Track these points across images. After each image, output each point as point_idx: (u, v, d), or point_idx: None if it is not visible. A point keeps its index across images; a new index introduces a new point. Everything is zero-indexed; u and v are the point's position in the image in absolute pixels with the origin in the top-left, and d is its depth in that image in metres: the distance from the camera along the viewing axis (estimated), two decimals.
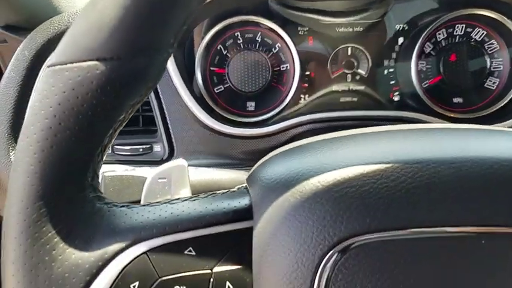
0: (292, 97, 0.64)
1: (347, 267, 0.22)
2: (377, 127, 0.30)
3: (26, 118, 0.23)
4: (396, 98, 0.64)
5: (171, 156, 0.65)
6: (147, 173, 0.46)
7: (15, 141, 0.60)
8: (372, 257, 0.22)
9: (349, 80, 0.64)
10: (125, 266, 0.24)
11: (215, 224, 0.25)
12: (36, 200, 0.23)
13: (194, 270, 0.24)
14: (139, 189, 0.45)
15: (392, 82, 0.64)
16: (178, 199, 0.27)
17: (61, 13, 0.65)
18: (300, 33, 0.62)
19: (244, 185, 0.28)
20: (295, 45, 0.62)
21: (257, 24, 0.62)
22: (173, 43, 0.24)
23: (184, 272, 0.24)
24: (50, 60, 0.23)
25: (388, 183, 0.23)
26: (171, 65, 0.60)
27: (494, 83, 0.63)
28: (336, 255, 0.22)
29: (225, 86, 0.64)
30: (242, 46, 0.63)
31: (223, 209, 0.25)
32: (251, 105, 0.65)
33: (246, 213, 0.25)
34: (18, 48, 0.62)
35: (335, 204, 0.22)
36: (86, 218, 0.24)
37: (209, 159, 0.64)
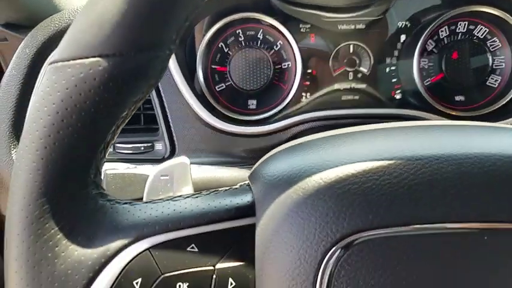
0: (293, 95, 0.64)
1: (350, 263, 0.22)
2: (379, 124, 0.30)
3: (28, 115, 0.23)
4: (398, 96, 0.64)
5: (172, 154, 0.65)
6: (149, 170, 0.46)
7: (17, 139, 0.60)
8: (374, 253, 0.22)
9: (350, 77, 0.63)
10: (128, 263, 0.24)
11: (218, 220, 0.25)
12: (38, 197, 0.23)
13: (197, 267, 0.24)
14: (141, 187, 0.45)
15: (394, 80, 0.63)
16: (180, 196, 0.27)
17: (61, 11, 0.65)
18: (301, 30, 0.62)
19: (246, 182, 0.28)
20: (296, 42, 0.62)
21: (258, 21, 0.62)
22: (175, 39, 0.24)
23: (187, 268, 0.24)
24: (52, 57, 0.23)
25: (390, 180, 0.23)
26: (172, 63, 0.60)
27: (496, 80, 0.63)
28: (338, 251, 0.22)
29: (227, 84, 0.64)
30: (243, 44, 0.63)
31: (226, 206, 0.25)
32: (252, 104, 0.65)
33: (248, 210, 0.25)
34: (19, 46, 0.62)
35: (338, 200, 0.22)
36: (88, 215, 0.24)
37: (211, 158, 0.64)
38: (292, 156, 0.27)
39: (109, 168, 0.51)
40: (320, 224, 0.22)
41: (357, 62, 0.63)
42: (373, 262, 0.22)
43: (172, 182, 0.42)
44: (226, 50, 0.63)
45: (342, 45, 0.63)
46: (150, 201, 0.27)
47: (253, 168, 0.29)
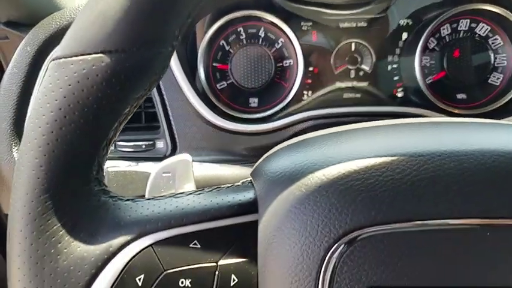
0: (295, 93, 0.64)
1: (352, 259, 0.22)
2: (381, 121, 0.30)
3: (30, 112, 0.23)
4: (400, 94, 0.64)
5: (173, 152, 0.65)
6: (151, 168, 0.46)
7: (18, 137, 0.60)
8: (377, 249, 0.22)
9: (352, 75, 0.63)
10: (131, 259, 0.24)
11: (220, 217, 0.25)
12: (41, 193, 0.23)
13: (199, 263, 0.24)
14: (143, 184, 0.45)
15: (396, 78, 0.63)
16: (183, 193, 0.27)
17: (62, 9, 0.65)
18: (303, 28, 0.62)
19: (249, 179, 0.28)
20: (298, 40, 0.62)
21: (260, 19, 0.62)
22: (178, 36, 0.24)
23: (190, 265, 0.24)
24: (54, 53, 0.23)
25: (393, 176, 0.23)
26: (173, 61, 0.59)
27: (498, 78, 0.63)
28: (341, 247, 0.22)
29: (228, 82, 0.64)
30: (245, 41, 0.63)
31: (228, 203, 0.25)
32: (254, 102, 0.65)
33: (251, 207, 0.25)
34: (20, 44, 0.62)
35: (340, 197, 0.22)
36: (91, 211, 0.24)
37: (212, 156, 0.64)
38: (294, 153, 0.27)
39: (110, 166, 0.51)
40: (323, 220, 0.22)
41: (359, 60, 0.63)
42: (375, 258, 0.22)
43: (174, 179, 0.42)
44: (227, 48, 0.63)
45: (343, 43, 0.62)
46: (152, 198, 0.27)
47: (255, 165, 0.29)
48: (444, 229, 0.22)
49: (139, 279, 0.24)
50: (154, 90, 0.62)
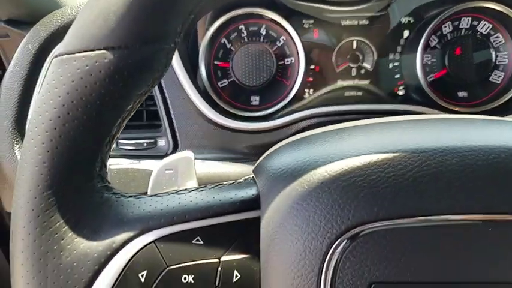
0: (297, 91, 0.63)
1: (355, 255, 0.22)
2: (383, 118, 0.30)
3: (33, 108, 0.23)
4: (401, 92, 0.64)
5: (175, 150, 0.65)
6: (153, 165, 0.46)
7: (20, 135, 0.60)
8: (379, 245, 0.22)
9: (354, 73, 0.63)
10: (133, 255, 0.24)
11: (223, 213, 0.25)
12: (44, 190, 0.23)
13: (202, 260, 0.24)
14: (145, 181, 0.45)
15: (397, 76, 0.63)
16: (185, 189, 0.27)
17: (63, 6, 0.65)
18: (304, 25, 0.62)
19: (251, 175, 0.28)
20: (300, 38, 0.62)
21: (261, 16, 0.62)
22: (180, 32, 0.24)
23: (192, 261, 0.24)
24: (57, 50, 0.24)
25: (395, 172, 0.23)
26: (175, 59, 0.59)
27: (499, 76, 0.63)
28: (343, 243, 0.22)
29: (229, 80, 0.64)
30: (246, 39, 0.63)
31: (231, 199, 0.25)
32: (255, 100, 0.65)
33: (253, 203, 0.25)
34: (22, 42, 0.62)
35: (343, 193, 0.22)
36: (94, 207, 0.24)
37: (213, 154, 0.64)
38: (296, 150, 0.27)
39: (112, 164, 0.51)
40: (325, 216, 0.22)
41: (360, 57, 0.63)
42: (378, 254, 0.22)
43: (176, 176, 0.42)
44: (229, 46, 0.63)
45: (345, 41, 0.62)
46: (155, 195, 0.27)
47: (257, 162, 0.29)
48: (446, 225, 0.22)
49: (142, 276, 0.24)
50: (156, 89, 0.62)
